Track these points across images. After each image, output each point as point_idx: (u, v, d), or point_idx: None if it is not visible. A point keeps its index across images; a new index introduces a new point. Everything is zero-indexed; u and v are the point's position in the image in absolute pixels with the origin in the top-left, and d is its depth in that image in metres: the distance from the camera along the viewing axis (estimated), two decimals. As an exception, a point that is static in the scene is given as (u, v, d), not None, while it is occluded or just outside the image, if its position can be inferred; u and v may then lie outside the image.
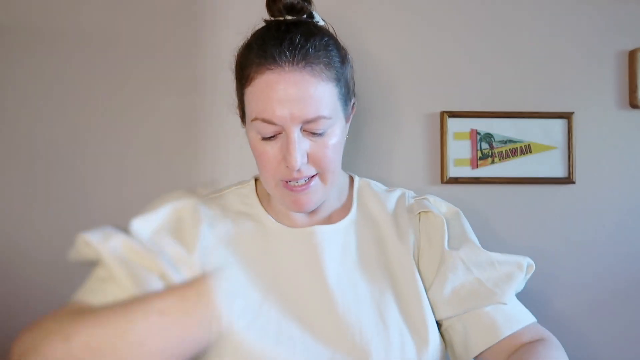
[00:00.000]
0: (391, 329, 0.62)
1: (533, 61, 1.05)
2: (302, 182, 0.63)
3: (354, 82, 0.69)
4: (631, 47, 1.05)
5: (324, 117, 0.60)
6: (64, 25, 0.95)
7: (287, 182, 0.63)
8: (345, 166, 0.75)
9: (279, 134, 0.61)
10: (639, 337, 1.06)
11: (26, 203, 0.95)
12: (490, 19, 1.04)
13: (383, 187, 0.78)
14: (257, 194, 0.73)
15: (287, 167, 0.61)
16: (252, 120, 0.62)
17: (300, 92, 0.58)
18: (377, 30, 1.02)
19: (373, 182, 0.78)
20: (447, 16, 1.04)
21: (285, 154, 0.60)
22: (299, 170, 0.61)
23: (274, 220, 0.69)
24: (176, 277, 0.55)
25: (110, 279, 0.54)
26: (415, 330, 0.63)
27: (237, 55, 0.65)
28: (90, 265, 0.55)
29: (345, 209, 0.73)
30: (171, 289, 0.52)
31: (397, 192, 0.77)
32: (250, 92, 0.61)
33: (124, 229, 0.57)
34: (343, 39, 0.68)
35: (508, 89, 1.04)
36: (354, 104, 0.71)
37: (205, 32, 0.96)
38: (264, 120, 0.60)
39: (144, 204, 0.94)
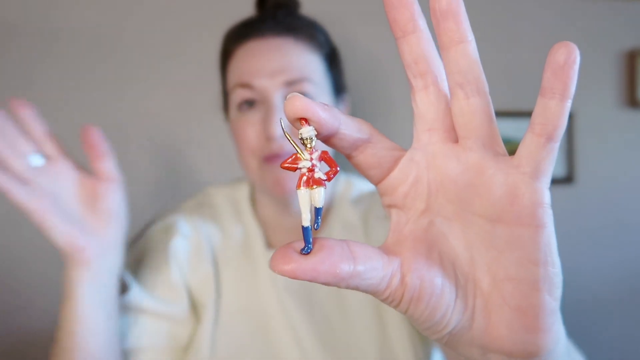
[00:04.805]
0: (393, 340, 0.56)
1: (532, 60, 1.05)
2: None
3: (343, 74, 0.64)
4: (631, 47, 1.05)
5: (309, 81, 0.53)
6: (58, 24, 0.96)
7: (268, 158, 0.54)
8: (341, 165, 0.74)
9: (259, 103, 0.54)
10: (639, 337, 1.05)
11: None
12: (489, 18, 1.04)
13: (366, 189, 0.64)
14: (251, 200, 0.64)
15: (267, 138, 0.53)
16: (231, 91, 0.56)
17: (282, 56, 0.53)
18: (372, 28, 1.03)
19: (356, 185, 0.64)
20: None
21: (265, 121, 0.52)
22: (280, 146, 0.52)
23: (260, 234, 0.60)
24: (159, 306, 0.54)
25: None
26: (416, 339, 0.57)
27: (222, 40, 0.61)
28: None
29: (324, 226, 0.61)
30: None
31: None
32: (231, 65, 0.56)
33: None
34: (336, 36, 0.67)
35: (507, 88, 1.04)
36: (347, 100, 0.65)
37: (203, 32, 0.97)
38: (242, 85, 0.54)
39: (143, 203, 0.95)
